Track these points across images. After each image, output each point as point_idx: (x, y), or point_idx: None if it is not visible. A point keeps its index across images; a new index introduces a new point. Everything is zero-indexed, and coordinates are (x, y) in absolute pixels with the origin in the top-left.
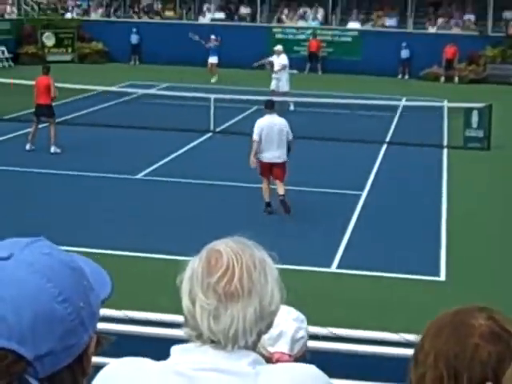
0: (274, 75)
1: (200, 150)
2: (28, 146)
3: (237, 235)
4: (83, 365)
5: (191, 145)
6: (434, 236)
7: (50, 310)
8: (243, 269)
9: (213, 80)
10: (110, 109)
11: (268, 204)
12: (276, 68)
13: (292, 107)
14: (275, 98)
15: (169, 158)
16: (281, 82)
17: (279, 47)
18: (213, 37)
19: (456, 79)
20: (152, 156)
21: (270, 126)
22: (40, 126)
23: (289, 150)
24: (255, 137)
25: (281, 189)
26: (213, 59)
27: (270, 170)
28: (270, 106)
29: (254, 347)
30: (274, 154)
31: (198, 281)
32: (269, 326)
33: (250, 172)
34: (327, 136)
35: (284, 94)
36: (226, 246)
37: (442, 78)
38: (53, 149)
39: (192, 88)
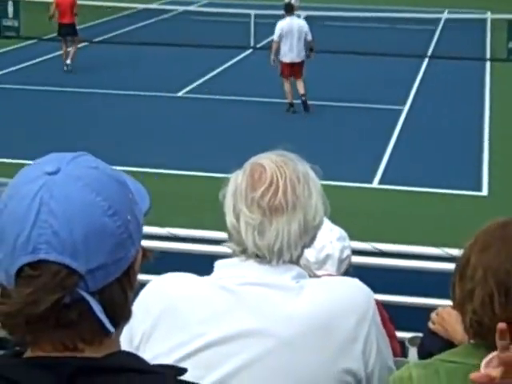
0: None
1: (241, 66)
2: (65, 67)
3: (279, 149)
4: (130, 278)
5: (232, 61)
6: (476, 151)
7: (101, 223)
8: (287, 182)
9: None
10: (150, 27)
11: (291, 104)
12: None
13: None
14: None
15: (210, 75)
16: None
17: None
18: None
19: None
20: (193, 73)
21: (290, 27)
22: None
23: (311, 49)
24: (275, 38)
25: (301, 88)
26: None
27: (290, 71)
28: (289, 9)
29: (297, 261)
30: (293, 53)
31: (241, 196)
32: (312, 240)
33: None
34: (368, 51)
35: None
36: (269, 161)
37: None
38: (68, 61)
39: (232, 4)
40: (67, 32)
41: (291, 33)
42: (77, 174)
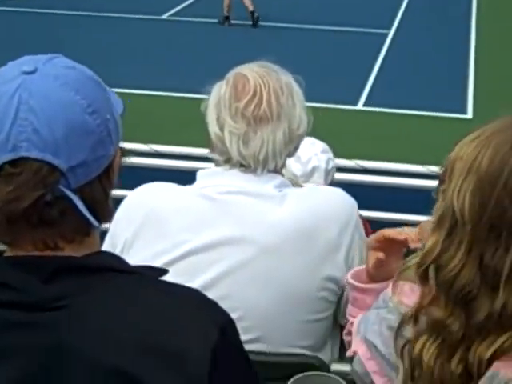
0: None
1: None
2: None
3: (260, 60)
4: (110, 177)
5: None
6: (462, 74)
7: (82, 121)
8: (271, 92)
9: None
10: None
11: (227, 17)
12: None
13: None
14: None
15: None
16: None
17: None
18: None
19: None
20: None
21: None
22: None
23: None
24: None
25: (249, 3)
26: None
27: None
28: None
29: (280, 171)
30: None
31: (225, 106)
32: (296, 148)
33: (276, 10)
34: None
35: None
36: (251, 71)
37: None
38: None
39: None
40: None
41: None
42: (55, 73)
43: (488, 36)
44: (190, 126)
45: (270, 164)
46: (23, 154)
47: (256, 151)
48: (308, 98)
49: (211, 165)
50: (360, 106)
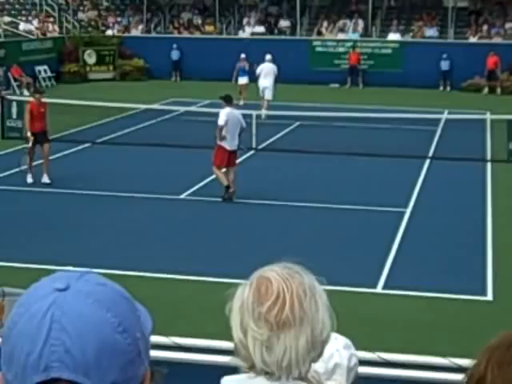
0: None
1: (243, 167)
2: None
3: (283, 259)
4: None
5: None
6: (480, 254)
7: (113, 340)
8: (294, 296)
9: (241, 103)
10: (152, 127)
11: (228, 187)
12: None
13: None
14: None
15: (212, 177)
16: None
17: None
18: (243, 56)
19: (498, 90)
20: (195, 175)
21: (233, 116)
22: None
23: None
24: (222, 123)
25: (233, 176)
26: (242, 80)
27: (228, 158)
28: (229, 100)
29: (305, 376)
30: (235, 142)
31: (248, 311)
32: (320, 354)
33: (292, 190)
34: (369, 152)
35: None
36: (275, 273)
37: (485, 89)
38: (46, 178)
39: (234, 105)
40: (41, 139)
41: (233, 123)
42: (87, 291)
43: (504, 214)
44: (206, 312)
45: (293, 371)
46: (55, 374)
47: (279, 358)
48: (327, 281)
49: (232, 358)
50: (379, 289)
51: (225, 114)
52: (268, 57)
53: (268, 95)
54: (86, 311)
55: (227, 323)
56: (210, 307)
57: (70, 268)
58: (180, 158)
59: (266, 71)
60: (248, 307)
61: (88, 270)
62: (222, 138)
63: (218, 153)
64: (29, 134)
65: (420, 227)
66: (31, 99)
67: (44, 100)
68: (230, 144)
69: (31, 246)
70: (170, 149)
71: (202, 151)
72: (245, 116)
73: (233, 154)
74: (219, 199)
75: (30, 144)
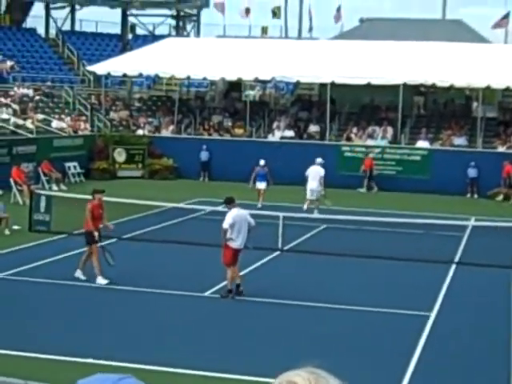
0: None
1: (268, 268)
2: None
3: (309, 364)
4: None
5: (259, 263)
6: (505, 363)
7: None
8: None
9: (259, 205)
10: (178, 225)
11: (231, 291)
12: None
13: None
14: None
15: None
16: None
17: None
18: (262, 162)
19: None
20: (219, 273)
21: (240, 217)
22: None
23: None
24: (227, 226)
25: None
26: (261, 185)
27: (235, 256)
28: (232, 201)
29: None
30: (243, 241)
31: None
32: None
33: (317, 292)
34: (395, 256)
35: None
36: (301, 378)
37: (501, 196)
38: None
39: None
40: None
41: (241, 222)
42: None
43: None
44: None
45: None
46: None
47: None
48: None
49: None
50: None
51: (231, 216)
52: (318, 160)
53: (313, 196)
54: None
55: None
56: None
57: (91, 360)
58: (205, 256)
59: (313, 175)
60: None
61: (126, 375)
62: (227, 240)
63: (226, 252)
64: (96, 233)
65: (444, 333)
66: (92, 199)
67: (75, 196)
68: (236, 243)
69: (46, 337)
70: (195, 247)
71: None
72: (273, 217)
73: (239, 253)
74: (242, 297)
75: (98, 242)
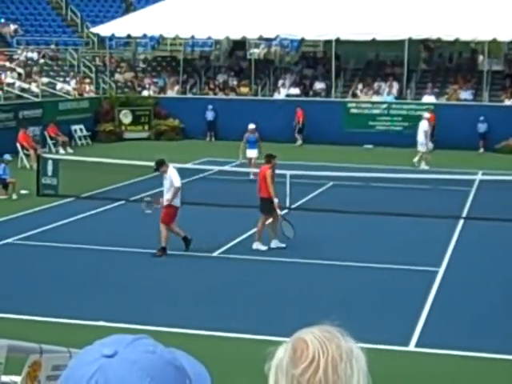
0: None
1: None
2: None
3: (327, 323)
4: None
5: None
6: None
7: None
8: (328, 360)
9: (251, 176)
10: (186, 186)
11: (165, 249)
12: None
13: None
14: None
15: (246, 235)
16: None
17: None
18: (251, 126)
19: None
20: (229, 233)
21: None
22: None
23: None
24: (180, 184)
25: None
26: (251, 152)
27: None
28: (163, 162)
29: None
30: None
31: (282, 372)
32: None
33: (326, 249)
34: (402, 212)
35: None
36: (312, 336)
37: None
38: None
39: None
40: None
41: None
42: (133, 358)
43: None
44: (241, 370)
45: None
46: None
47: None
48: (357, 339)
49: None
50: (412, 347)
51: (177, 174)
52: (425, 115)
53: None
54: (130, 379)
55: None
56: (238, 365)
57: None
58: (213, 216)
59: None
60: (283, 369)
61: (141, 335)
62: (174, 199)
63: (169, 211)
64: (276, 200)
65: (454, 287)
66: (268, 164)
67: (82, 158)
68: (178, 202)
69: (56, 300)
70: (204, 207)
71: (235, 210)
72: (281, 175)
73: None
74: (254, 257)
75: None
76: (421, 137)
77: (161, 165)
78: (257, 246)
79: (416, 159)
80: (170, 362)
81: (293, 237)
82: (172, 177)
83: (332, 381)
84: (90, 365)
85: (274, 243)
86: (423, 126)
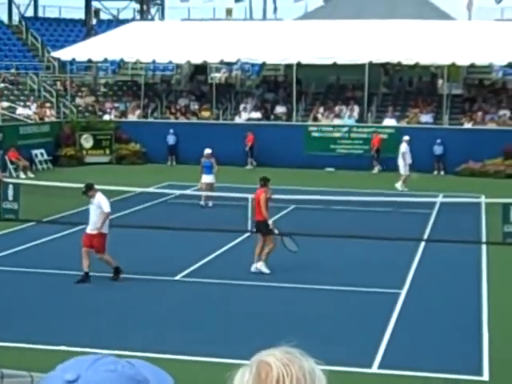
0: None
1: (238, 250)
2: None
3: (282, 343)
4: None
5: (229, 245)
6: (475, 335)
7: None
8: (293, 382)
9: (201, 202)
10: (148, 210)
11: (118, 269)
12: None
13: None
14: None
15: (208, 259)
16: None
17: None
18: (207, 151)
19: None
20: (191, 257)
21: None
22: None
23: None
24: (109, 209)
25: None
26: (207, 178)
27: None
28: (92, 187)
29: None
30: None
31: None
32: None
33: (288, 272)
34: (364, 234)
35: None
36: (274, 358)
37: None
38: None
39: (229, 188)
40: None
41: None
42: (95, 380)
43: (499, 295)
44: None
45: None
46: None
47: None
48: (321, 361)
49: None
50: (375, 369)
51: (106, 200)
52: (405, 137)
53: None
54: None
55: None
56: None
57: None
58: (175, 240)
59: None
60: None
61: (101, 356)
62: (103, 225)
63: (101, 239)
64: (270, 222)
65: (415, 308)
66: (263, 187)
67: (42, 183)
68: (107, 228)
69: (17, 324)
70: (165, 231)
71: (196, 234)
72: (242, 199)
73: None
74: (216, 280)
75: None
76: (401, 160)
77: (90, 189)
78: (260, 267)
79: (399, 184)
80: (132, 377)
81: (295, 251)
82: (101, 202)
83: None
84: None
85: (260, 266)
86: (402, 149)
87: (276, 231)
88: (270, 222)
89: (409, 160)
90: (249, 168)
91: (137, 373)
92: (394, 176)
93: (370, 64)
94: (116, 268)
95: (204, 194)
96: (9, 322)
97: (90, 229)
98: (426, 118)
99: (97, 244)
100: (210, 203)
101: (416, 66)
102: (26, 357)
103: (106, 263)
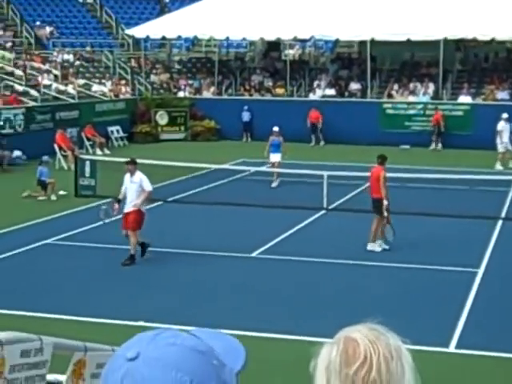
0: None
1: (314, 227)
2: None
3: (370, 322)
4: None
5: (305, 223)
6: None
7: None
8: (381, 359)
9: (273, 184)
10: (222, 187)
11: (133, 256)
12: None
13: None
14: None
15: (283, 236)
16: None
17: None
18: (275, 129)
19: None
20: (266, 234)
21: None
22: None
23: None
24: (152, 188)
25: None
26: (275, 157)
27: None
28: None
29: None
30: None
31: (335, 371)
32: None
33: (365, 250)
34: (442, 212)
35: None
36: (361, 335)
37: None
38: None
39: (304, 165)
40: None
41: None
42: (156, 356)
43: None
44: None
45: None
46: None
47: None
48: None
49: None
50: (452, 348)
51: (146, 178)
52: (504, 115)
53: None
54: (157, 376)
55: (302, 381)
56: (279, 366)
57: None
58: (250, 216)
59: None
60: (335, 368)
61: (161, 330)
62: (144, 203)
63: (138, 216)
64: (386, 202)
65: (494, 287)
66: (381, 165)
67: (119, 159)
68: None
69: (95, 300)
70: (241, 208)
71: (271, 210)
72: (318, 176)
73: None
74: (291, 257)
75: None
76: (498, 139)
77: (134, 163)
78: (372, 247)
79: (498, 164)
80: (193, 348)
81: (392, 239)
82: (143, 181)
83: (385, 379)
84: (117, 371)
85: (379, 244)
86: (498, 127)
87: (385, 214)
88: (386, 202)
89: (505, 138)
90: (312, 145)
91: (198, 343)
92: (468, 154)
93: (445, 40)
94: (132, 256)
95: (276, 170)
96: (89, 298)
97: (128, 208)
98: (503, 94)
99: (131, 220)
100: (274, 184)
101: (492, 41)
102: (106, 332)
103: (130, 242)
